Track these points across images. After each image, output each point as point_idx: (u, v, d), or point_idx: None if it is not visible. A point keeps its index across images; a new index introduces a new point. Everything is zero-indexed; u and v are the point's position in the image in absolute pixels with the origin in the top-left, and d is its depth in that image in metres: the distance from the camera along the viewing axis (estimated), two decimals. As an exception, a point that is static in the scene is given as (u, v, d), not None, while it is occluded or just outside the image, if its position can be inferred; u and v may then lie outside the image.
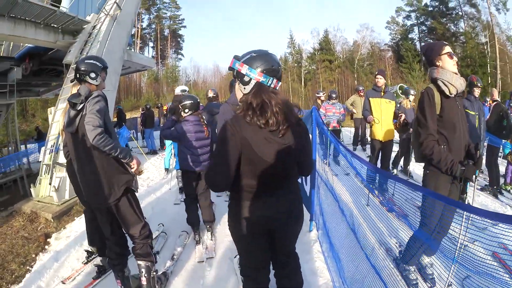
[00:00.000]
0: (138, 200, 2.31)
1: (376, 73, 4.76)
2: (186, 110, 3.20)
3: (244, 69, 1.39)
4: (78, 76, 2.11)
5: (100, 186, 2.06)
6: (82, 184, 2.19)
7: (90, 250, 3.13)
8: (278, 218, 1.53)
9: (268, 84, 1.40)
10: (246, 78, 1.40)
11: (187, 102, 3.18)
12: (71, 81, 2.53)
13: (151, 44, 42.11)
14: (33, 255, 3.70)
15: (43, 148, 6.05)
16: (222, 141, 1.41)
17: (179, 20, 42.90)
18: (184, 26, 43.50)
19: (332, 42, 40.32)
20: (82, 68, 2.09)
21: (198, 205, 3.33)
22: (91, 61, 2.14)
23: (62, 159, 5.49)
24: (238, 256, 2.61)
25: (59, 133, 5.61)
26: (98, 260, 2.97)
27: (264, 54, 1.42)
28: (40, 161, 6.05)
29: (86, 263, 3.09)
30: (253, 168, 1.42)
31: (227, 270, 2.75)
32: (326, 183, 3.15)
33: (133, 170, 2.16)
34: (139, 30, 39.50)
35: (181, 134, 3.12)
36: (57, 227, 4.55)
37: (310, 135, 2.02)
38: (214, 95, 4.81)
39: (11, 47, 10.50)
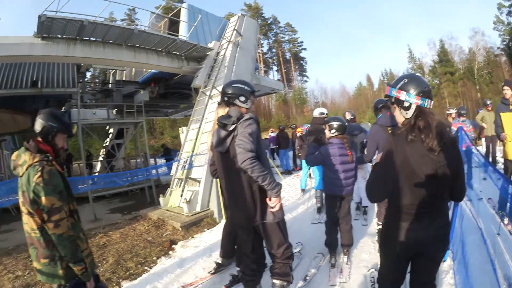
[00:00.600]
0: (285, 221, 2.23)
1: (503, 84, 4.35)
2: (333, 131, 3.16)
3: (403, 96, 1.50)
4: (226, 99, 2.16)
5: (247, 206, 2.07)
6: (229, 202, 2.23)
7: (220, 262, 3.16)
8: (430, 242, 1.55)
9: (425, 106, 1.48)
10: (406, 104, 1.50)
11: (335, 123, 3.16)
12: (218, 104, 2.56)
13: (274, 68, 45.09)
14: (154, 258, 3.86)
15: (175, 164, 6.69)
16: (384, 157, 1.56)
17: (298, 43, 44.75)
18: (304, 49, 45.54)
19: (450, 52, 36.05)
20: (230, 92, 2.14)
21: (338, 228, 3.31)
22: (239, 85, 2.17)
23: (195, 174, 5.92)
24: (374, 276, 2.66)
25: (192, 151, 6.13)
26: (229, 270, 3.04)
27: (415, 78, 1.54)
28: (171, 175, 6.67)
29: (213, 273, 3.12)
30: (410, 185, 1.49)
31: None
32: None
33: (272, 207, 2.02)
34: (261, 55, 42.41)
35: (326, 156, 3.10)
36: (185, 235, 4.71)
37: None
38: (352, 117, 4.98)
39: (133, 73, 12.35)
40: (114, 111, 10.97)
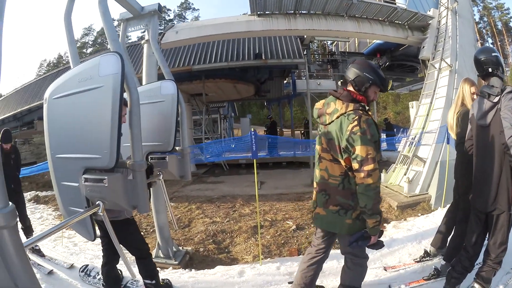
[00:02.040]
0: None
1: None
2: None
3: None
4: (487, 71, 2.02)
5: (491, 189, 1.93)
6: (476, 182, 2.09)
7: (428, 251, 2.99)
8: None
9: None
10: None
11: None
12: (478, 75, 2.42)
13: (489, 40, 34.89)
14: None
15: (403, 139, 6.57)
16: None
17: (505, 9, 34.60)
18: (513, 17, 31.77)
19: None
20: (483, 60, 2.02)
21: None
22: (488, 54, 2.03)
23: (422, 153, 5.64)
24: None
25: (422, 128, 5.84)
26: (432, 262, 2.83)
27: None
28: (398, 151, 6.58)
29: (418, 261, 2.95)
30: None
31: None
32: None
33: None
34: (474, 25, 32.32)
35: None
36: (398, 216, 4.58)
37: None
38: None
39: (356, 44, 12.13)
40: (339, 82, 11.40)
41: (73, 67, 1.62)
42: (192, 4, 46.99)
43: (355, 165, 1.65)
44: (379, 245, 1.88)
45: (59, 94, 1.47)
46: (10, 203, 0.83)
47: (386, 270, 2.82)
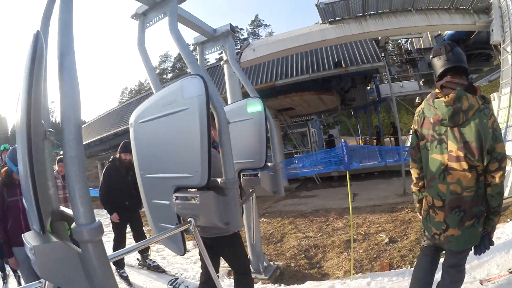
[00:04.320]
0: None
1: None
2: None
3: None
4: None
5: None
6: None
7: None
8: None
9: None
10: None
11: None
12: None
13: None
14: None
15: None
16: None
17: None
18: None
19: None
20: None
21: None
22: None
23: (509, 151, 4.94)
24: None
25: (506, 121, 5.19)
26: None
27: None
28: None
29: None
30: None
31: None
32: None
33: None
34: None
35: None
36: None
37: None
38: None
39: (430, 39, 11.22)
40: (421, 81, 10.74)
41: (156, 92, 1.72)
42: (263, 20, 47.39)
43: (495, 165, 1.49)
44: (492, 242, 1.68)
45: (145, 118, 1.56)
46: (97, 219, 0.87)
47: (482, 284, 2.57)
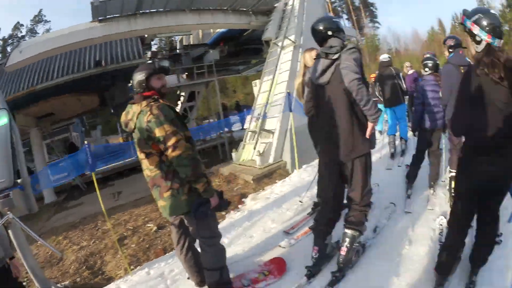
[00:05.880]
0: (371, 163, 2.17)
1: None
2: (427, 69, 3.39)
3: (476, 30, 1.54)
4: (326, 35, 2.05)
5: (345, 139, 2.01)
6: (326, 137, 2.16)
7: (317, 201, 3.16)
8: (501, 177, 1.61)
9: (495, 44, 1.52)
10: (478, 38, 1.55)
11: (429, 62, 3.37)
12: (308, 49, 2.68)
13: (345, 16, 41.74)
14: (223, 213, 3.79)
15: (248, 117, 6.87)
16: (461, 88, 1.68)
17: None
18: (373, -7, 40.76)
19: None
20: (320, 28, 2.06)
21: (421, 164, 3.49)
22: (326, 21, 2.10)
23: (269, 125, 5.95)
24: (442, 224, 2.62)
25: (266, 102, 6.16)
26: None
27: (490, 15, 1.54)
28: (244, 129, 6.85)
29: (312, 214, 3.14)
30: (484, 115, 1.55)
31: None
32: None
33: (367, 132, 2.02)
34: (329, 3, 39.34)
35: (422, 94, 3.32)
36: (256, 188, 4.67)
37: None
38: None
39: (201, 36, 12.43)
40: (184, 75, 11.36)
41: None
42: (45, 16, 36.24)
43: (161, 146, 1.79)
44: (224, 205, 2.02)
45: None
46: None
47: (288, 233, 2.97)
